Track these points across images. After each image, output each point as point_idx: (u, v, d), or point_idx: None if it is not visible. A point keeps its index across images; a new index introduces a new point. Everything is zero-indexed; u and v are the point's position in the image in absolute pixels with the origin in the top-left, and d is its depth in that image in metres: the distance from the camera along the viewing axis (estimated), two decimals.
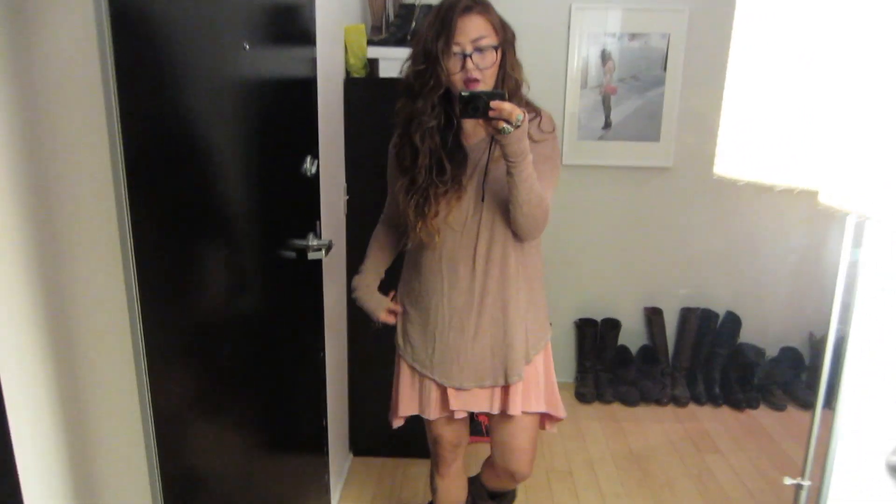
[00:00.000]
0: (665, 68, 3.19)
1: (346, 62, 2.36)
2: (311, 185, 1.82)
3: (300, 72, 1.74)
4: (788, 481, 1.02)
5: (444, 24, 1.46)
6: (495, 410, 1.71)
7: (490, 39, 1.48)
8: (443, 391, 1.71)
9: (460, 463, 1.90)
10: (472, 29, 1.46)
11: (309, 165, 1.75)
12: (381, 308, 1.79)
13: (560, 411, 1.78)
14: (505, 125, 1.35)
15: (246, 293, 1.45)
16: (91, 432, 0.99)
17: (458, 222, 1.60)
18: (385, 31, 2.57)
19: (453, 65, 1.47)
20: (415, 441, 2.74)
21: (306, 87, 1.80)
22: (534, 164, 1.46)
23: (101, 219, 0.93)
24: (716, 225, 3.39)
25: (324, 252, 1.79)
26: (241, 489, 1.47)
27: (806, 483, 1.00)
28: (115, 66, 0.80)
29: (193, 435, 1.20)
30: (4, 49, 0.75)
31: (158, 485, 0.97)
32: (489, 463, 1.90)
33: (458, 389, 1.68)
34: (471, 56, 1.46)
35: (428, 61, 1.48)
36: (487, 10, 1.50)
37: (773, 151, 1.03)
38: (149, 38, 0.95)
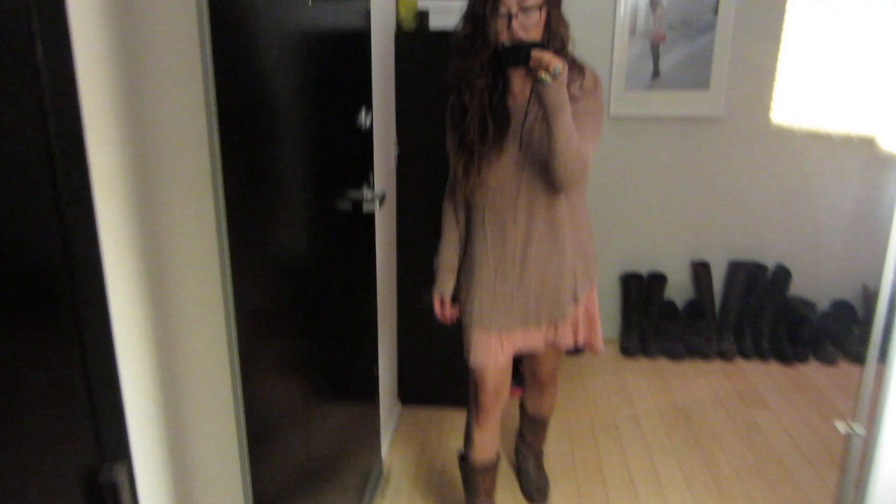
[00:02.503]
0: (716, 12, 3.07)
1: (398, 15, 2.33)
2: (365, 138, 1.82)
3: (355, 24, 1.72)
4: (841, 427, 1.01)
5: None
6: (544, 347, 1.88)
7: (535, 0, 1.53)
8: (496, 338, 1.80)
9: (498, 416, 1.96)
10: None
11: (363, 117, 1.74)
12: (443, 291, 1.87)
13: (598, 343, 1.97)
14: (544, 74, 1.43)
15: (305, 244, 1.47)
16: (184, 380, 1.02)
17: (498, 180, 1.66)
18: None
19: (500, 25, 1.52)
20: (461, 391, 2.80)
21: (361, 40, 1.79)
22: (575, 119, 1.52)
23: (194, 179, 0.96)
24: (766, 176, 3.30)
25: (377, 203, 1.80)
26: (301, 435, 1.52)
27: (860, 432, 0.99)
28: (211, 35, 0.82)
29: (264, 384, 1.25)
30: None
31: (244, 429, 1.02)
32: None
33: (509, 333, 1.79)
34: (516, 16, 1.51)
35: (476, 23, 1.55)
36: None
37: (832, 99, 0.97)
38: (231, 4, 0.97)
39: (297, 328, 1.45)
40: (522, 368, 2.09)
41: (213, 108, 0.88)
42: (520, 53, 1.45)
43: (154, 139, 0.88)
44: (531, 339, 1.85)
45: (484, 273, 1.75)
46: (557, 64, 1.43)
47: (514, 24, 1.51)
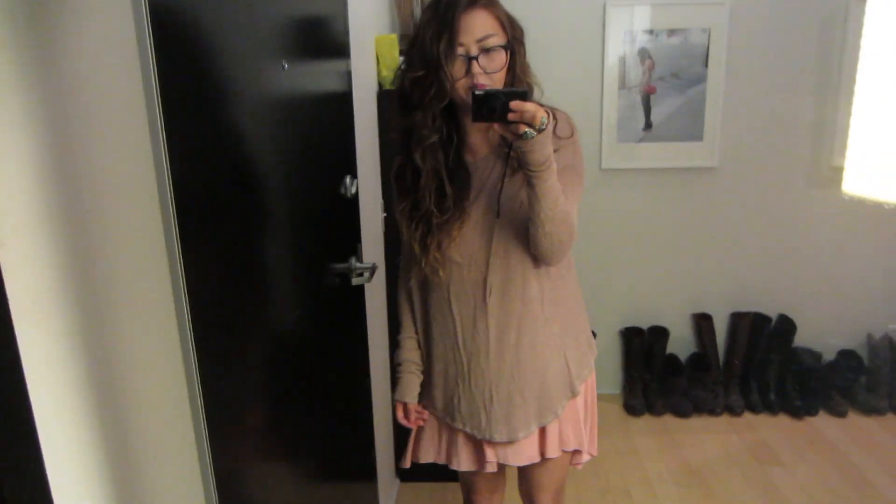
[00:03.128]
0: (706, 64, 3.05)
1: (379, 74, 2.27)
2: (351, 206, 1.73)
3: (336, 86, 1.65)
4: None
5: (444, 23, 1.25)
6: (537, 459, 1.50)
7: (498, 38, 1.27)
8: (476, 442, 1.52)
9: None
10: (478, 27, 1.25)
11: (349, 185, 1.66)
12: (406, 398, 1.57)
13: (594, 449, 1.60)
14: (527, 129, 1.15)
15: (290, 322, 1.36)
16: (145, 467, 0.90)
17: (462, 254, 1.40)
18: None
19: (457, 69, 1.26)
20: None
21: (343, 102, 1.71)
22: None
23: (147, 247, 0.85)
24: (764, 226, 3.24)
25: (367, 276, 1.70)
26: None
27: None
28: (161, 93, 0.72)
29: (247, 469, 1.13)
30: (39, 64, 0.67)
31: None
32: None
33: (491, 442, 1.49)
34: (477, 58, 1.25)
35: (428, 67, 1.27)
36: (493, 4, 1.29)
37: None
38: (193, 62, 0.89)
39: (283, 412, 1.33)
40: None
41: (169, 187, 0.77)
42: (495, 105, 1.15)
43: (102, 231, 0.78)
44: (520, 452, 1.49)
45: (459, 367, 1.46)
46: (544, 115, 1.15)
47: (475, 67, 1.25)
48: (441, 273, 1.40)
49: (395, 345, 1.59)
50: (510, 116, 1.15)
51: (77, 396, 0.73)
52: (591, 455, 1.59)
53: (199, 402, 0.92)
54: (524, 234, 1.34)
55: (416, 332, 1.57)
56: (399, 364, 1.58)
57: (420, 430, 1.60)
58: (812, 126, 3.12)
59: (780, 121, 3.11)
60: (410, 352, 1.57)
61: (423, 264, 1.40)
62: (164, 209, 0.83)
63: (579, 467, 1.60)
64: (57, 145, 0.69)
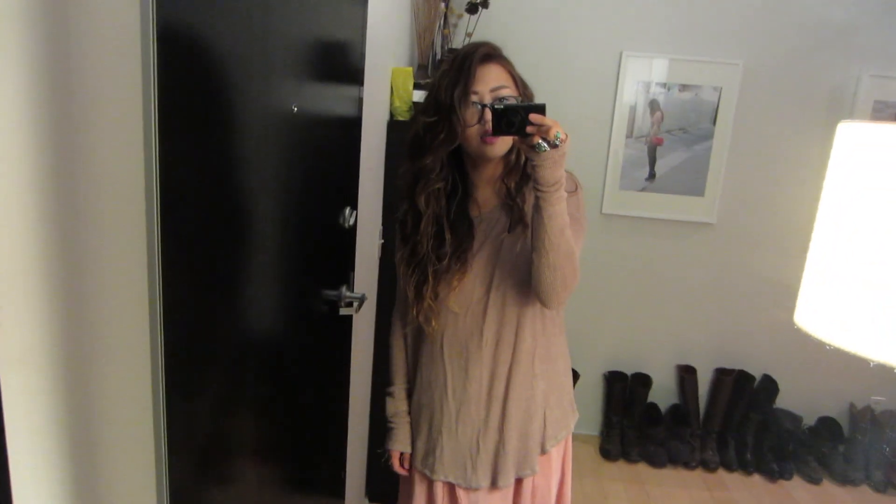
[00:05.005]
0: (715, 122, 3.10)
1: (391, 104, 2.32)
2: (348, 236, 1.77)
3: (346, 111, 1.68)
4: None
5: (461, 72, 1.32)
6: None
7: (510, 90, 1.35)
8: (451, 490, 1.52)
9: None
10: (492, 78, 1.33)
11: (347, 216, 1.69)
12: (400, 448, 1.58)
13: None
14: (541, 142, 1.19)
15: (273, 343, 1.39)
16: (102, 470, 0.92)
17: (461, 305, 1.41)
18: (431, 73, 2.52)
19: (470, 115, 1.32)
20: None
21: (352, 128, 1.75)
22: None
23: (130, 251, 0.86)
24: (756, 285, 3.27)
25: (356, 307, 1.73)
26: None
27: None
28: (158, 110, 0.75)
29: (211, 479, 1.14)
30: (48, 93, 0.70)
31: None
32: None
33: (470, 490, 1.49)
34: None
35: (440, 112, 1.32)
36: (507, 62, 1.39)
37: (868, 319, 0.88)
38: (195, 75, 0.90)
39: (258, 429, 1.35)
40: None
41: (156, 199, 0.78)
42: (514, 119, 1.20)
43: (85, 240, 0.81)
44: (495, 501, 1.50)
45: (445, 417, 1.47)
46: (559, 132, 1.18)
47: (487, 115, 1.28)
48: (434, 323, 1.42)
49: (388, 395, 1.60)
50: (528, 129, 1.20)
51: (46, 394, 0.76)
52: None
53: (162, 412, 0.89)
54: (522, 287, 1.37)
55: (408, 383, 1.58)
56: (394, 415, 1.59)
57: (410, 482, 1.61)
58: (811, 196, 3.15)
59: (780, 186, 3.15)
60: (404, 402, 1.58)
61: (416, 312, 1.42)
62: (150, 221, 0.82)
63: None
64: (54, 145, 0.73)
